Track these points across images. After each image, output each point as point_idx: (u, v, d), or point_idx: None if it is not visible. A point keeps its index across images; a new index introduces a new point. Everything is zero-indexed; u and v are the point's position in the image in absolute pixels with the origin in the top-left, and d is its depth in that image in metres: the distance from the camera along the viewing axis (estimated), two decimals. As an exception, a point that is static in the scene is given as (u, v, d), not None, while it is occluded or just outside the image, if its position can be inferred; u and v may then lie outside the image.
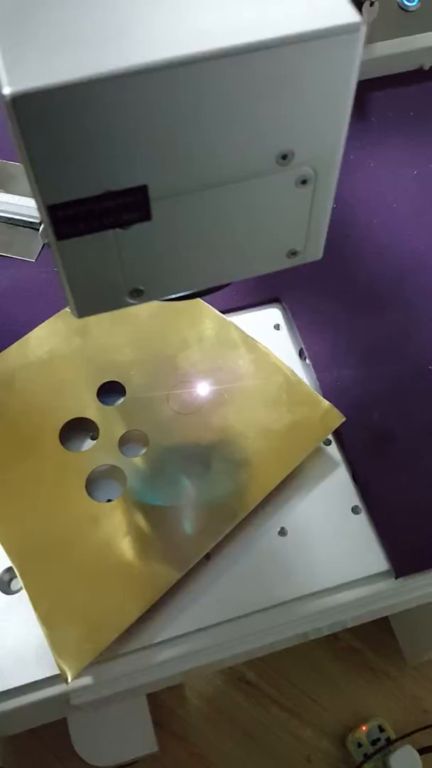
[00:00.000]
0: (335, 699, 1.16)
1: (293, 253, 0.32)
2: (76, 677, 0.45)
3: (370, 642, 1.20)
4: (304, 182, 0.28)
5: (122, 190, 0.25)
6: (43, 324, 0.58)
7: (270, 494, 0.51)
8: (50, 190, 0.25)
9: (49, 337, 0.57)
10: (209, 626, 0.49)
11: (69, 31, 0.23)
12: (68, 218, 0.25)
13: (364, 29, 0.24)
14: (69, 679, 0.45)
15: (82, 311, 0.30)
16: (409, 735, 1.07)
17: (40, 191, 0.24)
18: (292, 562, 0.50)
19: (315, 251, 0.32)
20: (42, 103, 0.22)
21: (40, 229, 0.31)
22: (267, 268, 0.32)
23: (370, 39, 0.72)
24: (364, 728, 1.10)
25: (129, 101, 0.23)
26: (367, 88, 0.75)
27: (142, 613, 0.47)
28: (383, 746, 1.07)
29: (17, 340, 0.57)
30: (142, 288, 0.30)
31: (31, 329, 0.58)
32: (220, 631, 0.49)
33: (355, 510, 0.52)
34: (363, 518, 0.52)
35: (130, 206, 0.26)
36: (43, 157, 0.23)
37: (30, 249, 0.64)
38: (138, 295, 0.30)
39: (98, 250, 0.27)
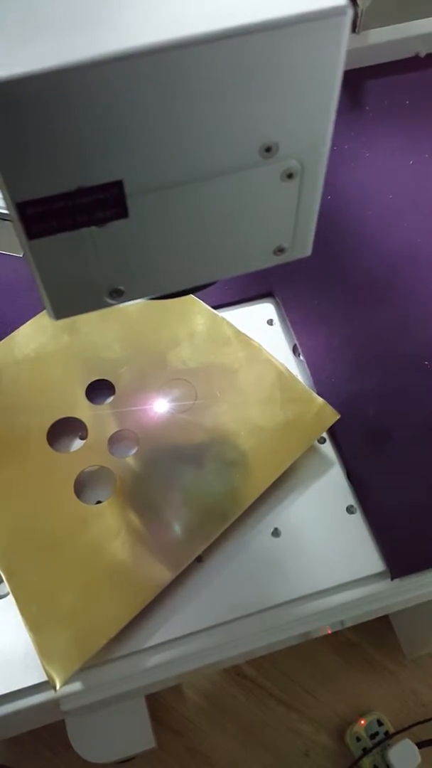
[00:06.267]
0: (333, 693, 1.15)
1: (280, 250, 0.30)
2: (64, 684, 0.44)
3: (368, 636, 1.19)
4: (290, 176, 0.27)
5: (96, 185, 0.24)
6: (30, 321, 0.56)
7: (263, 494, 0.50)
8: (19, 186, 0.23)
9: (36, 335, 0.56)
10: (202, 630, 0.48)
11: (36, 19, 0.22)
12: (39, 216, 0.24)
13: (350, 12, 0.22)
14: (57, 687, 0.44)
15: (59, 313, 0.29)
16: (407, 729, 1.06)
17: (7, 188, 0.23)
18: (285, 563, 0.49)
19: (303, 248, 0.30)
20: (5, 94, 0.20)
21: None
22: (253, 266, 0.30)
23: (365, 26, 0.70)
24: (362, 722, 1.10)
25: (100, 92, 0.22)
26: (361, 76, 0.73)
27: (132, 617, 0.46)
28: (382, 740, 1.07)
29: (3, 337, 0.56)
30: (122, 288, 0.29)
31: (17, 326, 0.56)
32: (212, 634, 0.48)
33: (350, 510, 0.51)
34: (358, 518, 0.51)
35: (106, 203, 0.25)
36: (10, 151, 0.22)
37: (17, 243, 0.63)
38: (118, 295, 0.29)
39: (73, 249, 0.26)
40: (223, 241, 0.29)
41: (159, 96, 0.22)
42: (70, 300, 0.29)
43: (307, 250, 0.31)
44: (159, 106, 0.23)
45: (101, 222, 0.25)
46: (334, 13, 0.22)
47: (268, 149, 0.25)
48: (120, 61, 0.21)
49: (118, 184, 0.24)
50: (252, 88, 0.23)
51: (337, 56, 0.23)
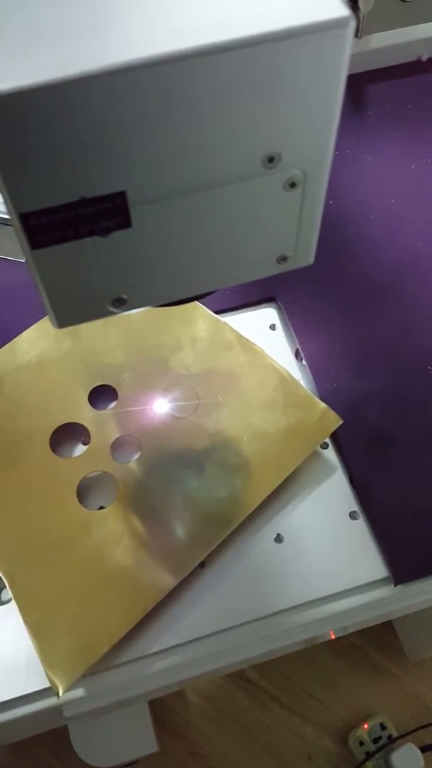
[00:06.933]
0: (336, 697, 1.15)
1: (283, 259, 0.30)
2: (67, 690, 0.44)
3: (371, 639, 1.19)
4: (292, 185, 0.27)
5: (99, 196, 0.24)
6: (32, 326, 0.57)
7: (266, 500, 0.50)
8: (22, 197, 0.23)
9: (39, 340, 0.56)
10: (204, 636, 0.47)
11: (37, 30, 0.22)
12: (42, 227, 0.24)
13: (353, 24, 0.22)
14: (60, 693, 0.44)
15: (62, 322, 0.29)
16: (411, 733, 1.06)
17: (11, 198, 0.23)
18: (288, 569, 0.49)
19: (306, 256, 0.30)
20: (7, 106, 0.20)
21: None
22: (256, 274, 0.30)
23: (367, 30, 0.70)
24: (365, 726, 1.10)
25: (103, 103, 0.22)
26: (363, 81, 0.73)
27: (135, 623, 0.46)
28: (385, 744, 1.07)
29: (6, 343, 0.56)
30: (124, 297, 0.29)
31: (20, 332, 0.56)
32: (215, 640, 0.48)
33: (352, 515, 0.51)
34: (361, 524, 0.51)
35: (108, 213, 0.25)
36: (12, 162, 0.22)
37: (19, 249, 0.63)
38: (121, 304, 0.29)
39: (76, 258, 0.26)
40: (225, 251, 0.29)
41: (161, 107, 0.22)
42: (73, 308, 0.29)
43: (310, 259, 0.31)
44: (161, 118, 0.23)
45: (104, 232, 0.25)
46: (336, 24, 0.22)
47: (270, 159, 0.25)
48: (122, 72, 0.21)
49: (121, 195, 0.24)
50: (254, 99, 0.23)
51: (339, 67, 0.23)
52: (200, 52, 0.21)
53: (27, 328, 0.57)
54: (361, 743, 1.08)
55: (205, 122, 0.23)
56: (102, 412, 0.54)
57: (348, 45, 0.23)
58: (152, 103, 0.22)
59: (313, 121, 0.25)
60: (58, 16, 0.22)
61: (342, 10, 0.22)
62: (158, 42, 0.21)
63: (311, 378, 0.56)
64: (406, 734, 1.05)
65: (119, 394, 0.54)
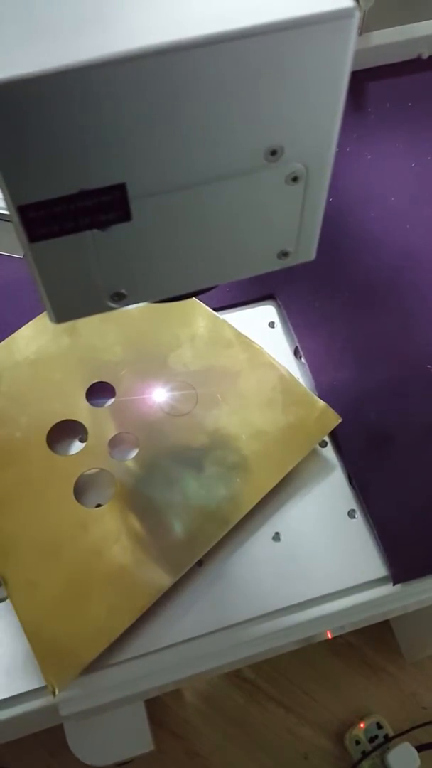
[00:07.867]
0: (333, 696, 1.15)
1: (284, 254, 0.30)
2: (63, 690, 0.44)
3: (368, 638, 1.19)
4: (294, 179, 0.26)
5: (98, 188, 0.24)
6: (30, 322, 0.56)
7: (264, 498, 0.50)
8: (20, 189, 0.23)
9: (37, 336, 0.55)
10: (201, 635, 0.47)
11: (35, 20, 0.21)
12: (40, 219, 0.24)
13: (358, 15, 0.22)
14: (56, 693, 0.43)
15: (60, 316, 0.28)
16: (407, 732, 1.06)
17: (9, 191, 0.23)
18: (286, 568, 0.49)
19: (307, 252, 0.30)
20: (6, 95, 0.20)
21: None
22: (257, 269, 0.30)
23: (368, 27, 0.70)
24: (362, 725, 1.10)
25: (103, 94, 0.21)
26: (364, 78, 0.73)
27: (131, 622, 0.46)
28: (381, 743, 1.07)
29: (3, 339, 0.55)
30: (123, 291, 0.28)
31: (17, 328, 0.56)
32: (212, 640, 0.47)
33: (351, 514, 0.51)
34: (360, 522, 0.51)
35: (108, 206, 0.24)
36: (11, 153, 0.22)
37: (17, 244, 0.62)
38: (120, 299, 0.29)
39: (74, 252, 0.26)
40: (226, 245, 0.28)
41: (163, 98, 0.22)
42: (71, 303, 0.28)
43: (312, 254, 0.31)
44: (163, 109, 0.22)
45: (103, 225, 0.25)
46: (341, 15, 0.21)
47: (273, 152, 0.25)
48: (124, 62, 0.21)
49: (121, 187, 0.24)
50: (257, 91, 0.23)
51: (344, 59, 0.23)
52: (202, 43, 0.21)
53: (25, 324, 0.56)
54: (358, 742, 1.08)
55: (207, 114, 0.23)
56: (100, 409, 0.53)
57: (352, 36, 0.22)
58: (153, 94, 0.22)
59: (316, 114, 0.24)
60: (59, 6, 0.22)
61: (346, 1, 0.21)
62: (160, 32, 0.21)
63: (310, 376, 0.56)
64: (403, 733, 1.05)
65: (117, 391, 0.54)
